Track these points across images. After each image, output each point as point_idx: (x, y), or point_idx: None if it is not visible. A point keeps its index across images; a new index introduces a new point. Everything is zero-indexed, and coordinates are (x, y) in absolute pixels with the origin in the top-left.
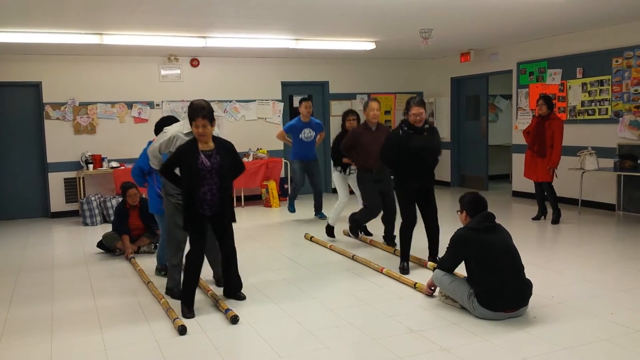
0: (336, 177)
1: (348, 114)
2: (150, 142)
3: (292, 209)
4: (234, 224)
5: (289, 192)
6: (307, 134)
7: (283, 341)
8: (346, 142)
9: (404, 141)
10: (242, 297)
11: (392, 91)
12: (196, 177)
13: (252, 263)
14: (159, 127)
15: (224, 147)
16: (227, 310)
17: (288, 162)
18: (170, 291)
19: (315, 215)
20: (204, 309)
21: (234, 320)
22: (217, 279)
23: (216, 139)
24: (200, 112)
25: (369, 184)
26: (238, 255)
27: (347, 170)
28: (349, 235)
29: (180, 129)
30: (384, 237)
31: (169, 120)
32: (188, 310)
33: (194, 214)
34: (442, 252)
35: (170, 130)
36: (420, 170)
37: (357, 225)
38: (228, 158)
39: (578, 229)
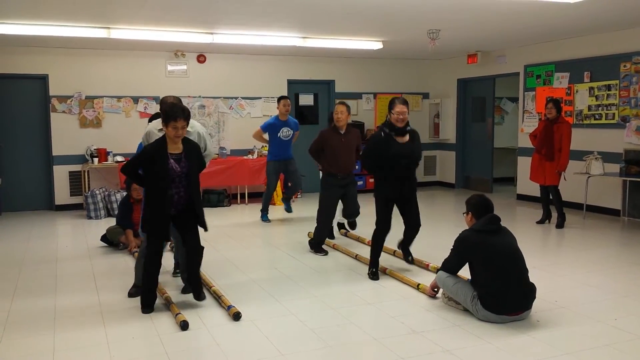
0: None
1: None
2: None
3: (265, 218)
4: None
5: (263, 199)
6: (285, 132)
7: (285, 339)
8: (313, 145)
9: (384, 146)
10: (200, 297)
11: (398, 91)
12: (165, 180)
13: (254, 260)
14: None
15: (192, 149)
16: (230, 306)
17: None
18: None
19: (283, 199)
20: (207, 305)
21: (237, 316)
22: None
23: (185, 141)
24: (181, 113)
25: (331, 189)
26: (241, 252)
27: None
28: (346, 235)
29: (156, 125)
30: (344, 225)
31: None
32: (147, 306)
33: (159, 215)
34: (445, 254)
35: (148, 126)
36: (399, 179)
37: (318, 244)
38: (196, 161)
39: (582, 233)
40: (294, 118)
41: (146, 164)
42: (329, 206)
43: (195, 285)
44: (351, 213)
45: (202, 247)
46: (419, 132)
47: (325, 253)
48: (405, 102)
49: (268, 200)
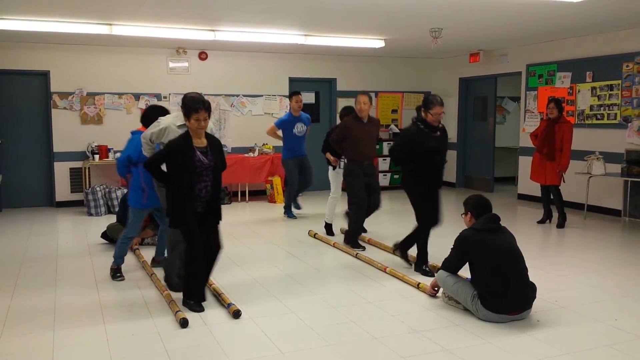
0: (330, 173)
1: (349, 112)
2: (133, 132)
3: (291, 214)
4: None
5: (285, 196)
6: (299, 128)
7: (285, 337)
8: (336, 134)
9: (419, 139)
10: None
11: (400, 90)
12: (192, 174)
13: (255, 258)
14: (145, 117)
15: (215, 144)
16: (230, 304)
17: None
18: (169, 282)
19: (293, 205)
20: (207, 302)
21: (236, 314)
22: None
23: (207, 135)
24: (202, 104)
25: (358, 178)
26: (241, 250)
27: (339, 166)
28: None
29: (173, 121)
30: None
31: (155, 110)
32: (197, 306)
33: (188, 211)
34: (446, 253)
35: (163, 121)
36: (432, 171)
37: (356, 234)
38: (218, 155)
39: (583, 233)
40: (305, 113)
41: (171, 158)
42: (360, 190)
43: (203, 287)
44: (374, 205)
45: (220, 248)
46: None
47: (363, 249)
48: (442, 103)
49: (291, 197)
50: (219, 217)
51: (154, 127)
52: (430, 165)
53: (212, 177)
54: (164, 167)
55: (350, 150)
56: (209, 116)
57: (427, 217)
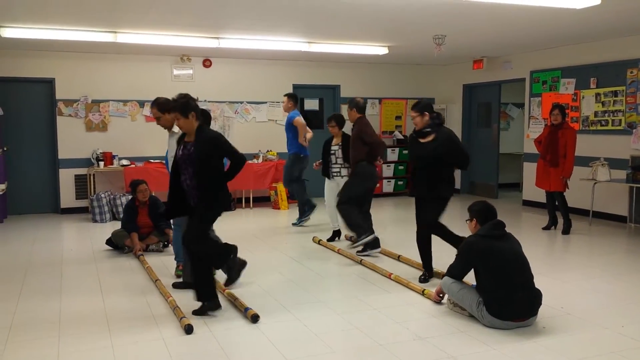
0: (325, 184)
1: (329, 119)
2: None
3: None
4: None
5: None
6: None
7: (289, 343)
8: None
9: (410, 146)
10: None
11: (404, 96)
12: (174, 166)
13: (260, 265)
14: None
15: (203, 138)
16: (247, 309)
17: None
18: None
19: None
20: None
21: (254, 318)
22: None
23: (199, 132)
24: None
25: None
26: (245, 256)
27: (330, 175)
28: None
29: None
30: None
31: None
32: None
33: (170, 201)
34: (450, 259)
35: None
36: (416, 178)
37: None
38: (204, 149)
39: (588, 240)
40: (294, 113)
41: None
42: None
43: (188, 285)
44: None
45: (190, 240)
46: None
47: (372, 232)
48: (415, 107)
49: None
50: (191, 210)
51: None
52: (415, 170)
53: (190, 172)
54: None
55: None
56: (184, 115)
57: (418, 226)
